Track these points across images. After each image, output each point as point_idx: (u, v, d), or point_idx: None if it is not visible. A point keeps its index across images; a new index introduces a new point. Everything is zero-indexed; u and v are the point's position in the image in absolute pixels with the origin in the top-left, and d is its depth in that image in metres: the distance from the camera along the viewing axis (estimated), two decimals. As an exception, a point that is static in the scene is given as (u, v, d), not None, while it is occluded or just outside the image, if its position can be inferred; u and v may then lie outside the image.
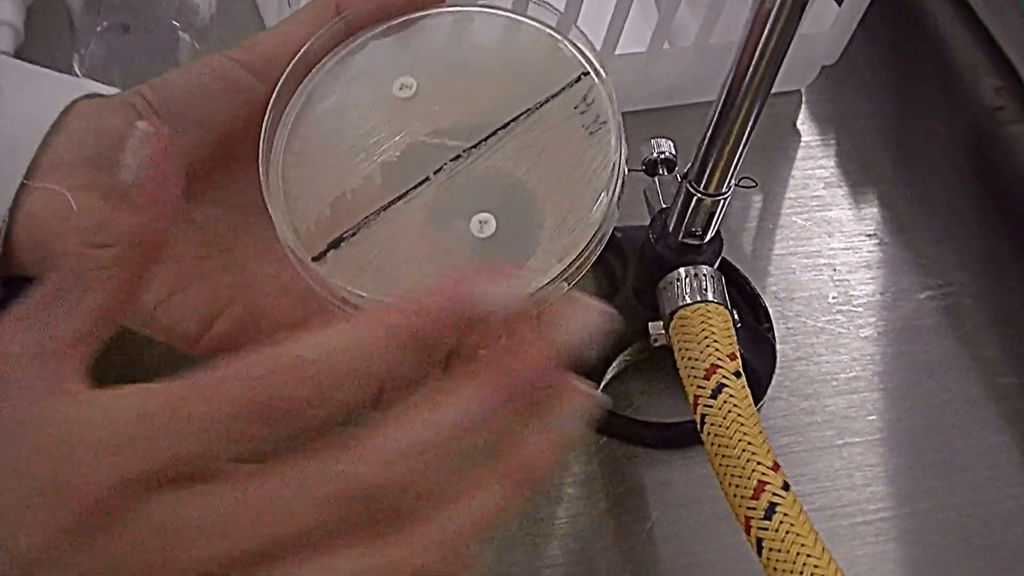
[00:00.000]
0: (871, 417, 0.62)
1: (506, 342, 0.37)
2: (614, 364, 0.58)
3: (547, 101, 0.46)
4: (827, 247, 0.68)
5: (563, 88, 0.46)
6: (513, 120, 0.46)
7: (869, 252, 0.68)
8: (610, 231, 0.43)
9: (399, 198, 0.45)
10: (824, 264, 0.67)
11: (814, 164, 0.72)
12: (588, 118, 0.45)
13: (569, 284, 0.43)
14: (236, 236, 0.50)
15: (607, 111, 0.45)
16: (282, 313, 0.48)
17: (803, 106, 0.74)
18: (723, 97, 0.51)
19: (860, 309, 0.65)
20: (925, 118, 0.76)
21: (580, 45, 0.46)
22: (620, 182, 0.44)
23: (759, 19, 0.48)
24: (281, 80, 0.47)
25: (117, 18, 0.64)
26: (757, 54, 0.49)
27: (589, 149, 0.45)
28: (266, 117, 0.46)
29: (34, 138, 0.47)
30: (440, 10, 0.48)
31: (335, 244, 0.45)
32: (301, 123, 0.47)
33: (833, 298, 0.66)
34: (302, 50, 0.47)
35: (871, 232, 0.69)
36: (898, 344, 0.65)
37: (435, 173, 0.45)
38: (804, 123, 0.74)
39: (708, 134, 0.52)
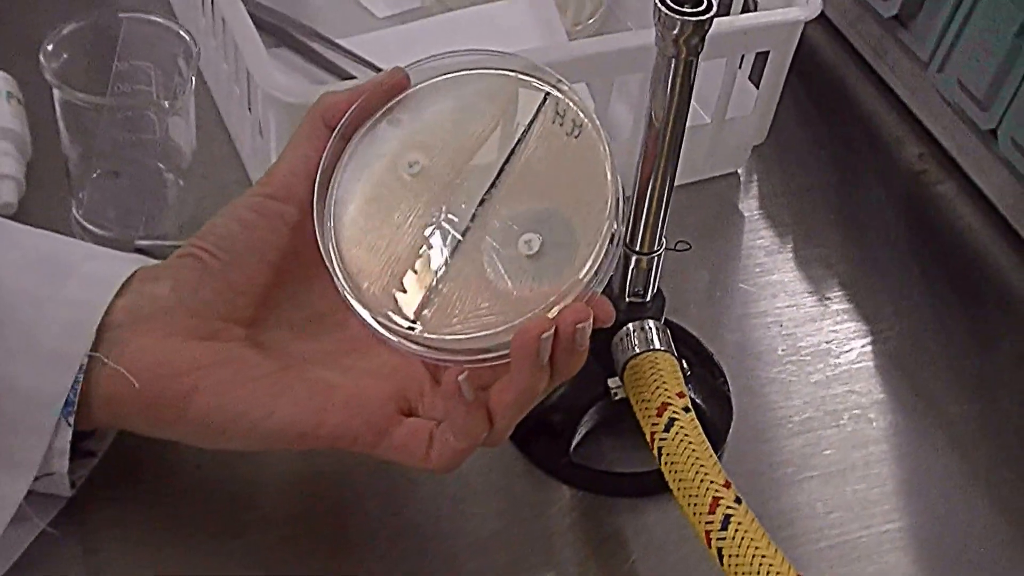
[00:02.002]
0: (827, 452, 0.67)
1: None
2: (582, 423, 0.63)
3: (529, 128, 0.54)
4: (773, 307, 0.74)
5: (537, 111, 0.54)
6: (511, 153, 0.54)
7: (812, 307, 0.74)
8: (623, 208, 0.53)
9: (452, 254, 0.54)
10: (771, 322, 0.73)
11: (755, 236, 0.78)
12: (567, 126, 0.54)
13: (607, 271, 0.53)
14: (310, 346, 0.57)
15: (580, 115, 0.54)
16: (380, 390, 0.54)
17: (741, 186, 0.81)
18: (638, 177, 0.58)
19: (808, 358, 0.71)
20: (857, 186, 0.83)
21: (537, 74, 0.55)
22: (612, 163, 0.53)
23: (651, 133, 0.57)
24: (315, 201, 0.55)
25: (108, 166, 0.71)
26: (656, 150, 0.57)
27: (579, 150, 0.53)
28: (319, 242, 0.55)
29: (102, 302, 0.54)
30: (414, 88, 0.56)
31: (419, 312, 0.53)
32: (343, 229, 0.55)
33: (782, 351, 0.71)
34: (318, 172, 0.55)
35: (812, 290, 0.75)
36: (846, 386, 0.70)
37: (472, 220, 0.54)
38: (744, 201, 0.80)
39: (633, 203, 0.59)
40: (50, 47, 0.66)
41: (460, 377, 0.51)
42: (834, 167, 0.84)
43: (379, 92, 0.57)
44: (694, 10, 0.52)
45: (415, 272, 0.54)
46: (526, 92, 0.55)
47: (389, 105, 0.57)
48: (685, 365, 0.62)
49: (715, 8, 0.52)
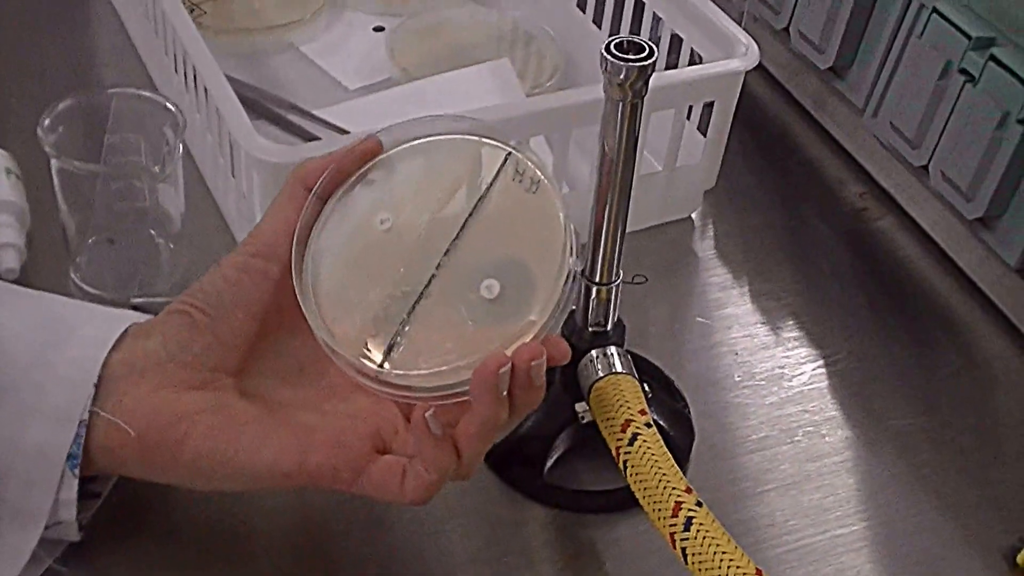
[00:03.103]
0: (783, 466, 0.72)
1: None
2: (554, 446, 0.68)
3: (491, 185, 0.60)
4: (728, 338, 0.79)
5: (499, 171, 0.60)
6: (475, 208, 0.59)
7: (765, 337, 0.79)
8: (577, 255, 0.58)
9: (420, 298, 0.59)
10: (727, 351, 0.78)
11: (710, 274, 0.84)
12: (526, 184, 0.59)
13: (561, 313, 0.57)
14: (293, 393, 0.62)
15: (537, 173, 0.59)
16: (357, 431, 0.59)
17: (695, 229, 0.87)
18: (594, 213, 0.63)
19: (763, 383, 0.76)
20: (804, 225, 0.89)
21: (497, 138, 0.60)
22: (567, 216, 0.58)
23: (604, 171, 0.62)
24: (294, 257, 0.60)
25: (104, 233, 0.76)
26: (609, 186, 0.62)
27: (537, 205, 0.59)
28: (297, 294, 0.59)
29: (98, 359, 0.59)
30: (385, 155, 0.62)
31: (388, 352, 0.58)
32: (320, 282, 0.60)
33: (738, 377, 0.76)
34: (296, 230, 0.60)
35: (765, 321, 0.81)
36: (799, 406, 0.75)
37: (437, 269, 0.59)
38: (698, 242, 0.86)
39: (591, 237, 0.64)
40: (47, 122, 0.71)
41: (428, 413, 0.56)
42: (782, 208, 0.90)
43: (353, 157, 0.62)
44: (637, 57, 0.58)
45: (385, 318, 0.59)
46: (489, 153, 0.60)
47: (363, 169, 0.62)
48: (647, 389, 0.67)
49: (656, 55, 0.58)
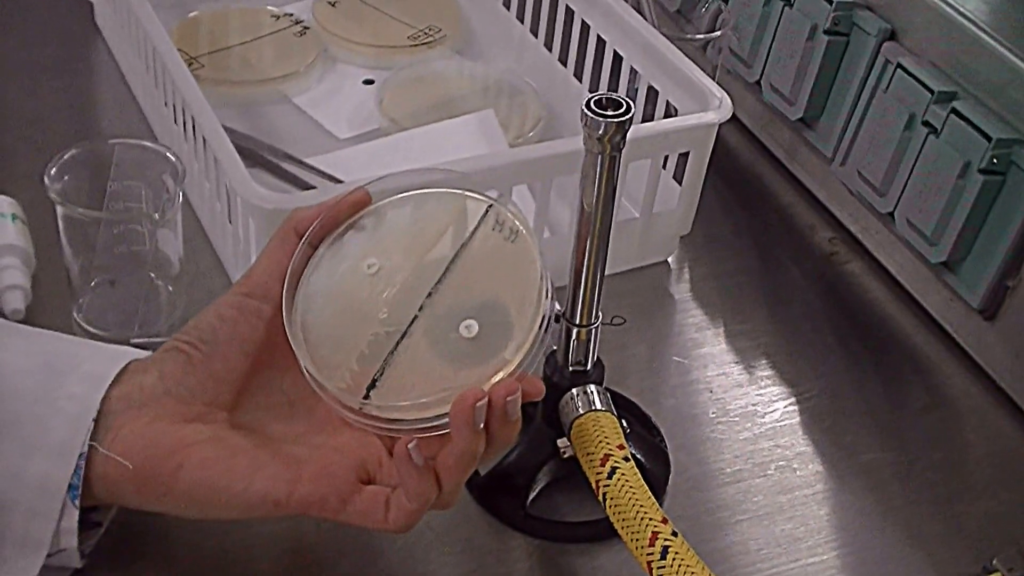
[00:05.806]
0: (756, 498, 0.75)
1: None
2: (537, 479, 0.71)
3: (473, 234, 0.63)
4: (704, 376, 0.82)
5: (480, 221, 0.63)
6: (457, 255, 0.63)
7: (739, 375, 0.83)
8: (552, 300, 0.61)
9: (402, 337, 0.62)
10: (703, 389, 0.82)
11: (687, 315, 0.87)
12: (505, 233, 0.63)
13: (536, 353, 0.61)
14: (283, 427, 0.65)
15: (516, 223, 0.63)
16: (343, 463, 0.62)
17: (672, 272, 0.90)
18: (574, 259, 0.67)
19: (737, 419, 0.80)
20: (776, 269, 0.93)
21: (480, 191, 0.64)
22: (543, 263, 0.61)
23: (584, 219, 0.65)
24: (284, 298, 0.63)
25: (105, 276, 0.79)
26: (589, 233, 0.65)
27: (515, 252, 0.62)
28: (287, 333, 0.62)
29: (97, 396, 0.61)
30: (375, 205, 0.65)
31: (372, 386, 0.61)
32: (310, 321, 0.63)
33: (713, 413, 0.80)
34: (288, 273, 0.63)
35: (739, 360, 0.84)
36: (772, 441, 0.78)
37: (420, 310, 0.62)
38: (674, 285, 0.90)
39: (571, 282, 0.68)
40: (53, 171, 0.74)
41: (410, 445, 0.59)
42: (755, 253, 0.94)
43: (343, 207, 0.65)
44: (615, 113, 0.61)
45: (369, 355, 0.62)
46: (472, 205, 0.64)
47: (353, 218, 0.65)
48: (625, 424, 0.70)
49: (633, 110, 0.61)
